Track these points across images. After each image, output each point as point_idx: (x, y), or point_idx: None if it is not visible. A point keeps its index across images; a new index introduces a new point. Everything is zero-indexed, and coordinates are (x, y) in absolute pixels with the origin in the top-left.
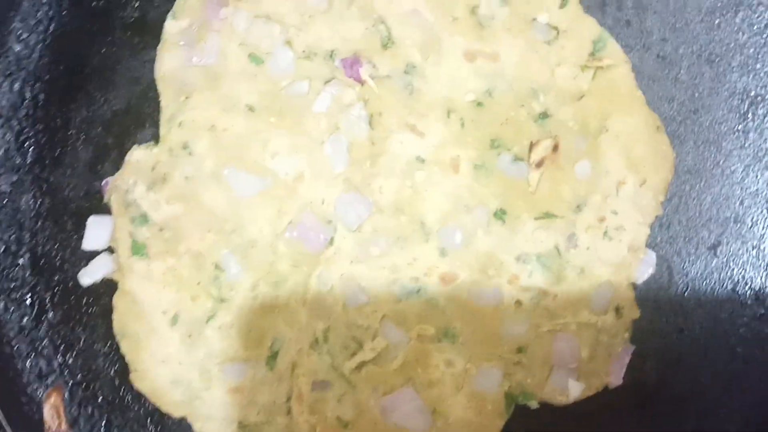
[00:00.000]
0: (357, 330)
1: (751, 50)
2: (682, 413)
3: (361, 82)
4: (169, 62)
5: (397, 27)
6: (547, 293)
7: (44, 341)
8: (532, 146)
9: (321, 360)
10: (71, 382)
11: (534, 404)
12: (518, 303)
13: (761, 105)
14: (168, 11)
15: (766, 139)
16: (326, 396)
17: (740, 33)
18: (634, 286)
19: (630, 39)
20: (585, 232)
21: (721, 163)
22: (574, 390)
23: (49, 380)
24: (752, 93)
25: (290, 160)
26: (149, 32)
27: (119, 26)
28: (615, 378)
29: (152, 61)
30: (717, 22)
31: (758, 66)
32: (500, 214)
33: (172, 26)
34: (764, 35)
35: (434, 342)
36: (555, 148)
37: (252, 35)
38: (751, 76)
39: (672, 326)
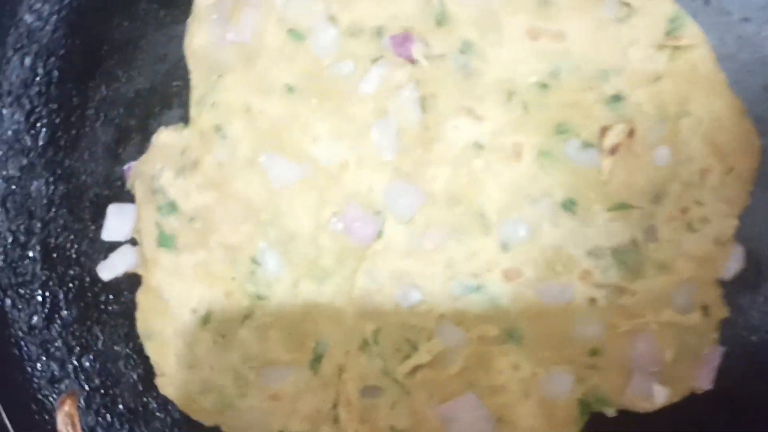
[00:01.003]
0: (410, 331)
1: None
2: None
3: (413, 62)
4: (201, 38)
5: (452, 2)
6: (625, 290)
7: (57, 342)
8: (603, 131)
9: (371, 364)
10: (88, 387)
11: (611, 411)
12: (591, 301)
13: None
14: None
15: None
16: (378, 403)
17: None
18: (722, 283)
19: (708, 18)
20: (665, 224)
21: None
22: (659, 395)
23: (63, 385)
24: None
25: (333, 146)
26: (177, 5)
27: None
28: (704, 382)
29: (180, 36)
30: None
31: None
32: (569, 205)
33: None
34: None
35: (498, 344)
36: (630, 133)
37: (291, 10)
38: None
39: (764, 325)
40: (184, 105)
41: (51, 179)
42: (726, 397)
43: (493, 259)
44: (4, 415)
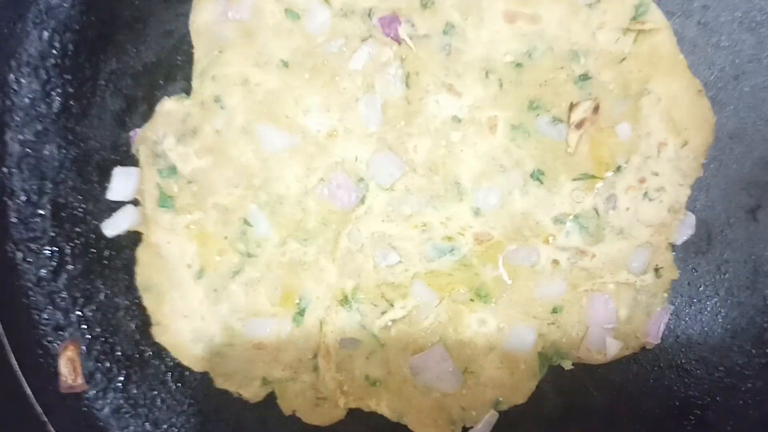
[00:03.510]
0: (387, 289)
1: None
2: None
3: (399, 42)
4: (204, 16)
5: None
6: (585, 253)
7: (62, 293)
8: (571, 107)
9: (350, 318)
10: (89, 336)
11: (568, 364)
12: (555, 263)
13: None
14: None
15: None
16: (354, 354)
17: None
18: (673, 247)
19: (671, 6)
20: (625, 193)
21: (761, 128)
22: (612, 348)
23: (66, 333)
24: None
25: (323, 117)
26: None
27: None
28: (653, 338)
29: (185, 14)
30: None
31: None
32: (537, 175)
33: None
34: None
35: (466, 302)
36: (595, 109)
37: None
38: None
39: (711, 288)
40: (187, 77)
41: (63, 143)
42: (670, 352)
43: (465, 224)
44: (13, 359)
